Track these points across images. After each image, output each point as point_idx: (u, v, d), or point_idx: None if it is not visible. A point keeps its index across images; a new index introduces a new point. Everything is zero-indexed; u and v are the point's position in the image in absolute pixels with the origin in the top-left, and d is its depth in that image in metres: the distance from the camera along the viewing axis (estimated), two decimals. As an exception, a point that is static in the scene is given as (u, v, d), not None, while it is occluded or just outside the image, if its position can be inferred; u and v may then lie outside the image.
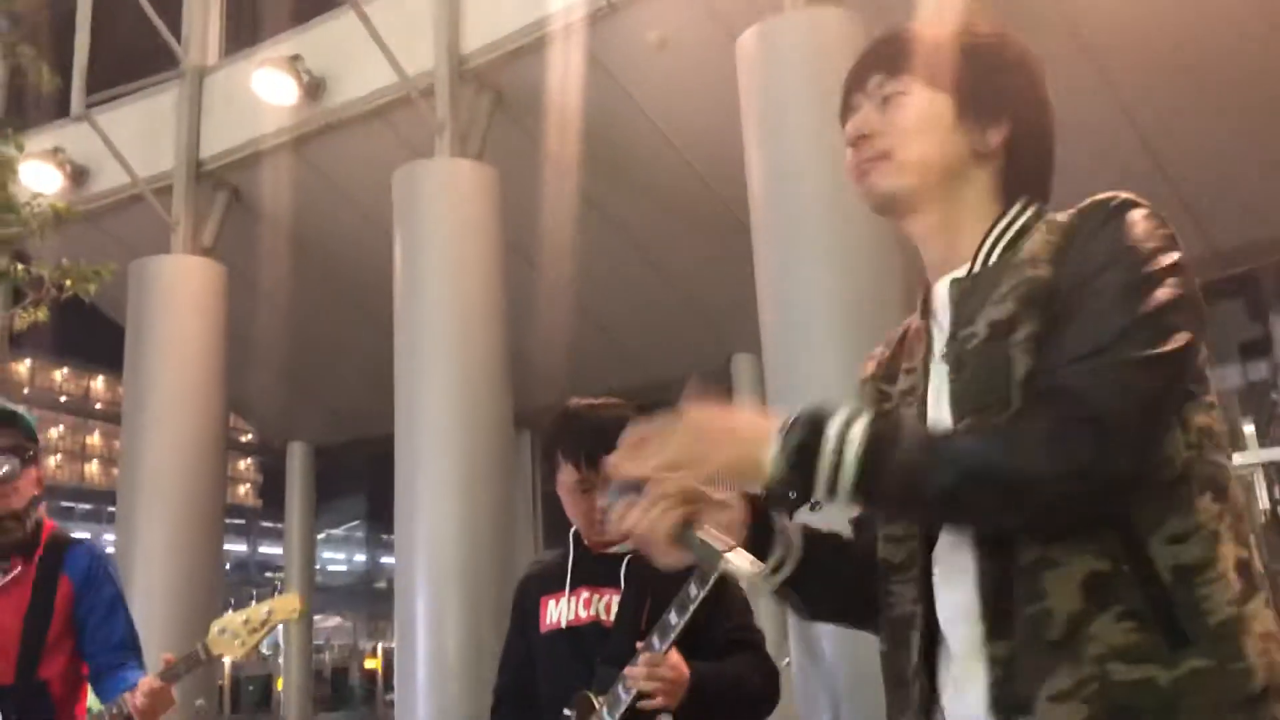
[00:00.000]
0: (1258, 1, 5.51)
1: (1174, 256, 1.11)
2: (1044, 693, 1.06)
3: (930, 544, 1.20)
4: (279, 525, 13.35)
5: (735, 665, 2.14)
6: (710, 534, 1.19)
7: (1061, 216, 1.21)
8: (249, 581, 30.67)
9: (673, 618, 2.00)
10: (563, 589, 2.28)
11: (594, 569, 2.26)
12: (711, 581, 1.98)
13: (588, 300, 8.44)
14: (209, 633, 2.60)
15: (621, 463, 1.18)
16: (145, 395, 7.55)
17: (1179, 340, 1.07)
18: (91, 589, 2.66)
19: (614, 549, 2.25)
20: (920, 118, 1.26)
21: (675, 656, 2.01)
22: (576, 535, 2.32)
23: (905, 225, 1.31)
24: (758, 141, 5.28)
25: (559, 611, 2.27)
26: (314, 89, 7.58)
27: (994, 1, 5.64)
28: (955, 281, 1.24)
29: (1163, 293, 1.09)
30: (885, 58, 1.30)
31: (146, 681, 2.50)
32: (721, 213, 7.04)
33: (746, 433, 1.13)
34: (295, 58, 7.54)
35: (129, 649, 2.68)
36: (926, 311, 1.31)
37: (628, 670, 2.02)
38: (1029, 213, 1.26)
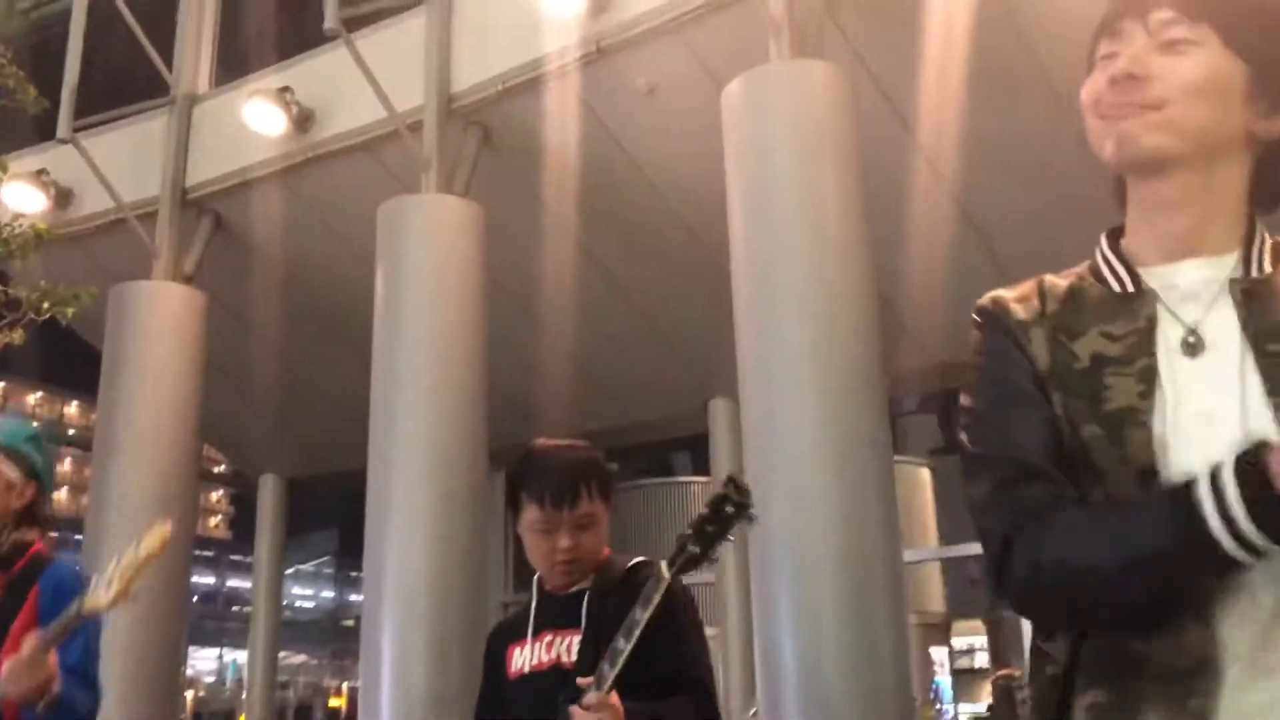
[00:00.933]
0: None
1: None
2: None
3: None
4: (249, 559, 13.20)
5: (671, 708, 2.10)
6: None
7: None
8: (215, 615, 30.29)
9: (620, 643, 2.00)
10: (525, 636, 2.28)
11: (556, 612, 2.25)
12: (655, 603, 1.99)
13: (568, 340, 8.46)
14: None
15: None
16: (118, 421, 7.48)
17: None
18: (56, 607, 2.61)
19: (574, 588, 2.25)
20: (1211, 79, 1.12)
21: (613, 698, 1.99)
22: (539, 580, 2.32)
23: (1148, 188, 1.18)
24: (740, 189, 5.33)
25: (523, 658, 2.27)
26: (302, 121, 7.62)
27: (977, 52, 5.76)
28: (1235, 280, 1.13)
29: None
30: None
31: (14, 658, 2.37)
32: (704, 258, 7.09)
33: None
34: (285, 89, 7.58)
35: (76, 674, 2.56)
36: (1139, 284, 1.18)
37: (573, 710, 2.00)
38: (1269, 237, 1.18)
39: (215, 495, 34.22)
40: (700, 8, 6.12)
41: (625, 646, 2.00)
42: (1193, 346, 1.12)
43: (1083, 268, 1.24)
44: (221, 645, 29.52)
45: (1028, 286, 1.24)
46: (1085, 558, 1.06)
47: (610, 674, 1.98)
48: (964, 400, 1.24)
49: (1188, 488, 1.00)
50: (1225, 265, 1.15)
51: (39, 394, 38.57)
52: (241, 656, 19.82)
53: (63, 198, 8.51)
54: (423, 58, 7.14)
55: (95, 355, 7.99)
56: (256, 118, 7.62)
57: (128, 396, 7.50)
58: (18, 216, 7.16)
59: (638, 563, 2.23)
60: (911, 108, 6.26)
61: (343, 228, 7.95)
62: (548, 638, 2.24)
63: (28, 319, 6.88)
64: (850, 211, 5.13)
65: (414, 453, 6.20)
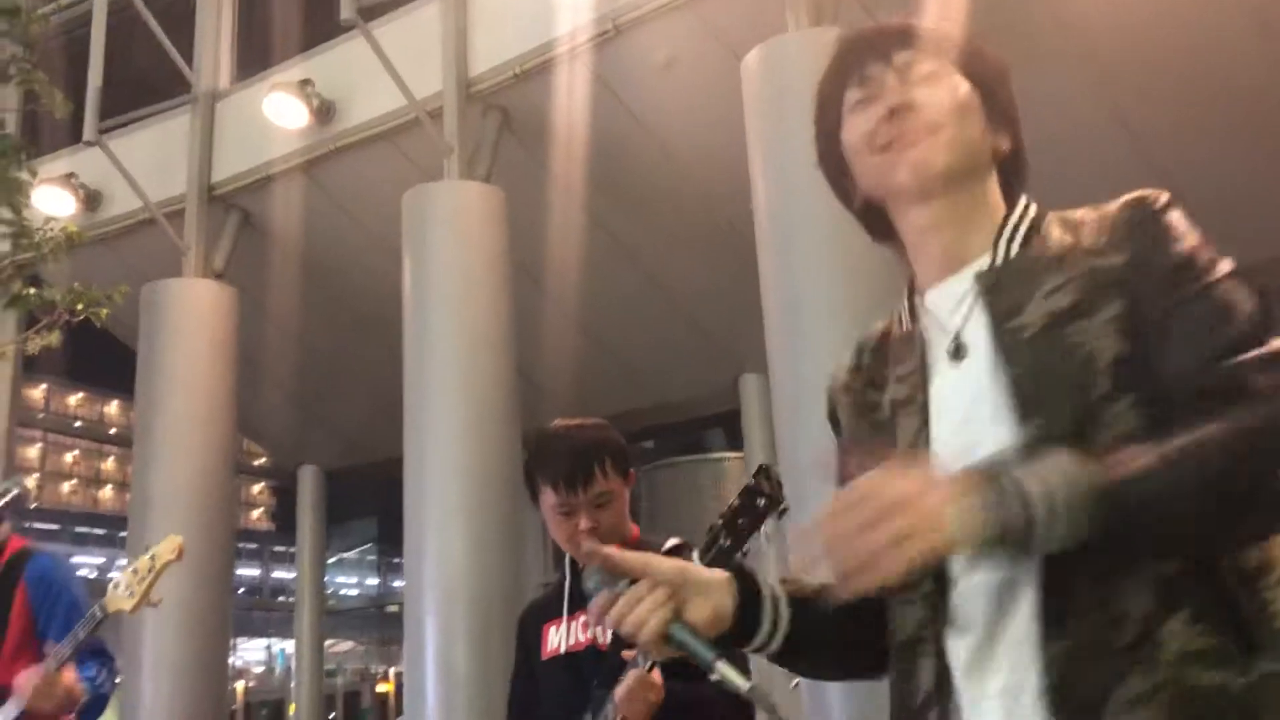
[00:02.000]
0: (1258, 18, 5.51)
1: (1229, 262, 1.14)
2: (1118, 696, 1.02)
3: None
4: (292, 549, 13.34)
5: (706, 689, 2.11)
6: (697, 633, 1.16)
7: (1085, 210, 1.21)
8: (262, 606, 30.67)
9: None
10: (561, 615, 2.28)
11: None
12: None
13: (595, 322, 8.46)
14: (106, 594, 2.56)
15: (830, 536, 1.01)
16: (156, 419, 7.57)
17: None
18: (49, 598, 2.67)
19: None
20: (964, 102, 1.24)
21: (656, 676, 1.99)
22: (572, 560, 2.31)
23: (914, 216, 1.26)
24: (762, 161, 5.30)
25: (559, 637, 2.27)
26: (324, 113, 7.64)
27: (991, 11, 5.68)
28: (980, 275, 1.20)
29: (1248, 293, 1.11)
30: (911, 38, 1.27)
31: (34, 671, 2.46)
32: (728, 233, 7.06)
33: (933, 499, 1.00)
34: (305, 82, 7.60)
35: (87, 652, 2.65)
36: (915, 315, 1.27)
37: (616, 692, 2.00)
38: (1033, 210, 1.25)
39: (256, 488, 34.57)
40: (716, -20, 6.08)
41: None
42: (956, 352, 1.19)
43: (896, 308, 1.32)
44: (269, 635, 29.91)
45: (855, 344, 1.37)
46: None
47: (644, 665, 1.98)
48: None
49: None
50: (982, 264, 1.22)
51: (80, 395, 39.08)
52: (289, 646, 20.08)
53: (92, 200, 8.60)
54: (440, 44, 7.13)
55: (131, 355, 8.08)
56: (278, 111, 7.65)
57: (164, 394, 7.58)
58: (49, 220, 7.24)
59: (675, 545, 2.21)
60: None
61: (367, 218, 7.98)
62: (583, 617, 2.23)
63: (63, 321, 6.96)
64: (874, 180, 5.08)
65: (448, 439, 6.23)
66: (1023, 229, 1.23)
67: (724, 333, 8.26)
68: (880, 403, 1.27)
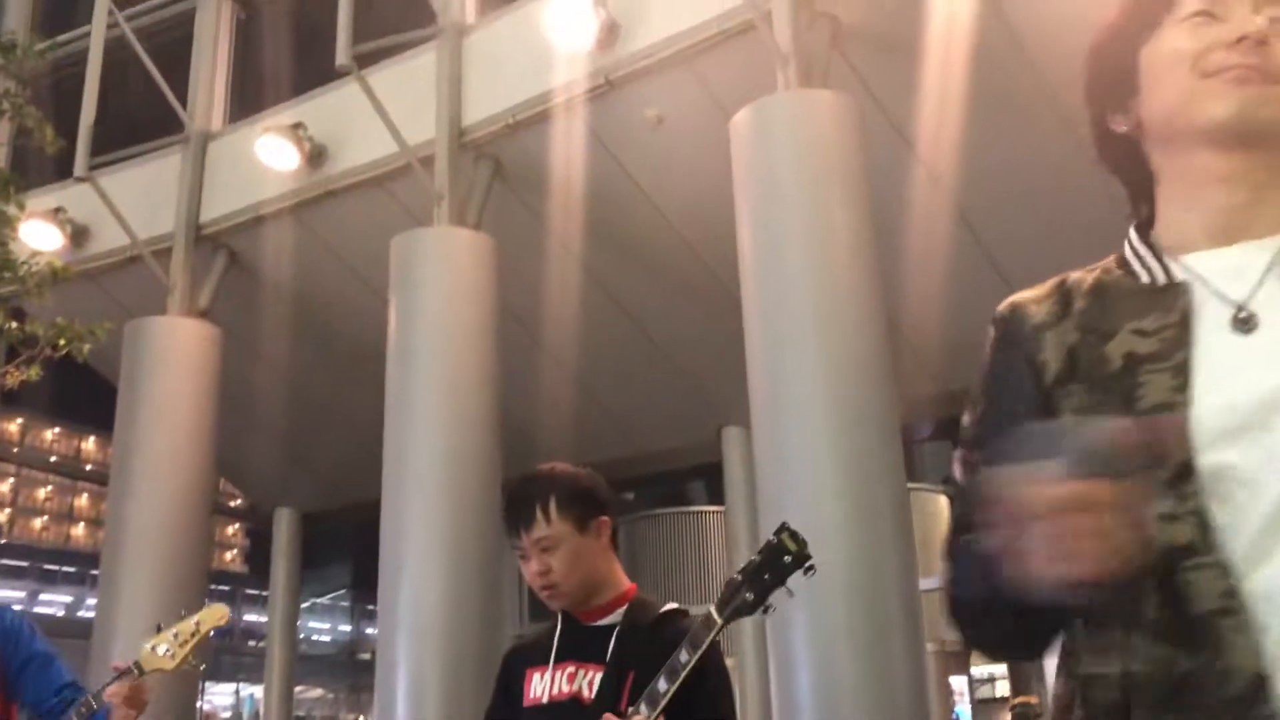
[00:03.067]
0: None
1: None
2: None
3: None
4: (265, 593, 13.20)
5: None
6: None
7: None
8: (232, 650, 30.21)
9: (662, 685, 1.96)
10: (547, 662, 2.22)
11: (581, 642, 2.20)
12: (704, 647, 1.96)
13: (581, 370, 8.47)
14: (141, 652, 2.63)
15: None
16: (134, 456, 7.51)
17: None
18: (17, 644, 2.67)
19: (603, 621, 2.20)
20: None
21: None
22: (565, 609, 2.26)
23: (1211, 159, 1.12)
24: (750, 218, 5.35)
25: (542, 685, 2.21)
26: (316, 156, 7.69)
27: (979, 79, 5.78)
28: None
29: None
30: None
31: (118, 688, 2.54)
32: (715, 287, 7.10)
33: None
34: (298, 125, 7.65)
35: (76, 686, 2.72)
36: (1171, 277, 1.12)
37: None
38: None
39: (230, 529, 34.22)
40: (709, 39, 6.17)
41: (668, 688, 1.95)
42: (1245, 322, 1.06)
43: (1109, 261, 1.19)
44: (238, 680, 29.44)
45: (1048, 286, 1.19)
46: (956, 599, 1.12)
47: (651, 716, 1.94)
48: (963, 419, 1.20)
49: None
50: (1276, 244, 1.08)
51: (56, 430, 38.74)
52: (258, 691, 19.76)
53: (79, 235, 8.59)
54: (434, 92, 7.19)
55: (112, 391, 8.04)
56: (270, 154, 7.69)
57: (143, 431, 7.53)
58: (35, 254, 7.23)
59: (671, 610, 2.18)
60: (919, 136, 6.28)
61: (356, 261, 7.99)
62: (570, 668, 2.18)
63: (44, 355, 6.92)
64: (859, 239, 5.14)
65: (427, 485, 6.20)
66: None
67: (709, 384, 8.28)
68: (1106, 354, 1.10)
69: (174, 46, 9.12)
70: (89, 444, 39.19)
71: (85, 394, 11.78)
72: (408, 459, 6.30)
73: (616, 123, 6.77)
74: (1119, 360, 1.08)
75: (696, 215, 7.01)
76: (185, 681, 7.33)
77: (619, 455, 8.81)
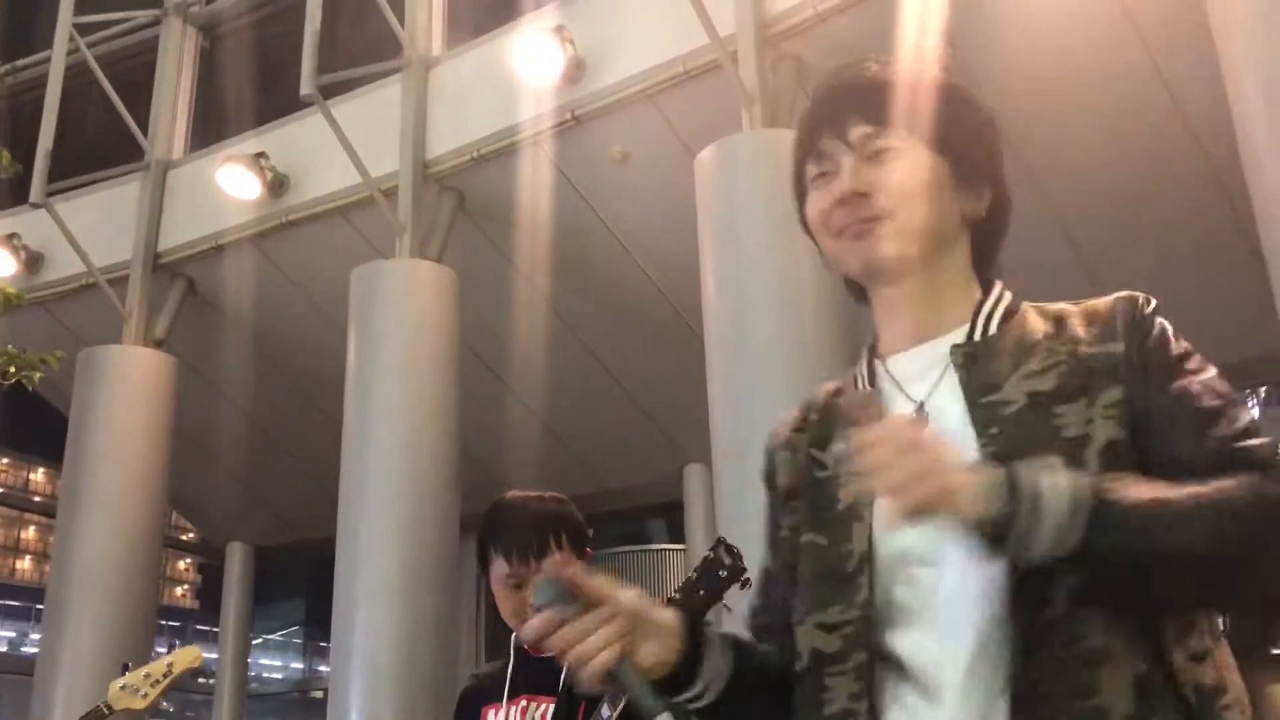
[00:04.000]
0: (1191, 151, 5.74)
1: None
2: None
3: (870, 627, 1.12)
4: (216, 629, 12.95)
5: None
6: (643, 676, 1.10)
7: (1064, 306, 1.21)
8: (181, 687, 29.62)
9: (605, 711, 1.96)
10: (501, 700, 2.20)
11: (534, 676, 2.17)
12: (622, 705, 1.93)
13: (542, 406, 8.42)
14: (109, 691, 2.64)
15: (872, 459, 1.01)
16: (83, 487, 7.36)
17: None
18: None
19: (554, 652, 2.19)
20: (923, 181, 1.18)
21: None
22: (518, 641, 2.24)
23: (885, 292, 1.24)
24: (713, 256, 5.36)
25: None
26: (277, 186, 7.63)
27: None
28: (956, 347, 1.18)
29: (1238, 395, 1.14)
30: (870, 106, 1.20)
31: None
32: (678, 325, 7.10)
33: (955, 459, 1.01)
34: (260, 154, 7.60)
35: None
36: (873, 379, 1.25)
37: None
38: (1008, 296, 1.24)
39: (182, 564, 33.64)
40: (674, 77, 6.21)
41: (610, 714, 1.95)
42: (920, 420, 1.16)
43: (852, 370, 1.30)
44: (186, 718, 28.84)
45: (800, 405, 1.33)
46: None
47: None
48: None
49: None
50: (957, 338, 1.20)
51: (4, 460, 37.98)
52: (206, 730, 19.34)
53: (33, 262, 8.46)
54: (398, 124, 7.17)
55: (63, 421, 7.89)
56: (231, 183, 7.63)
57: (94, 462, 7.38)
58: (-14, 280, 7.11)
59: None
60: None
61: (316, 293, 7.92)
62: (523, 703, 2.17)
63: (-7, 383, 6.78)
64: (823, 279, 5.14)
65: (384, 520, 6.12)
66: (1000, 311, 1.21)
67: (671, 422, 8.26)
68: (825, 461, 1.23)
69: (135, 73, 9.05)
70: (38, 475, 38.45)
71: (35, 424, 11.56)
72: (365, 494, 6.21)
73: (581, 158, 6.78)
74: (832, 466, 1.21)
75: (660, 252, 7.03)
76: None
77: (579, 492, 8.66)
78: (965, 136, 1.22)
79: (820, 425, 1.27)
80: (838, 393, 1.29)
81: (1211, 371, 1.14)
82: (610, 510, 10.04)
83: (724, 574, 1.95)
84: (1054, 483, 0.98)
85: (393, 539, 6.07)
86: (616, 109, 6.47)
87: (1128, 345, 1.14)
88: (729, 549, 1.97)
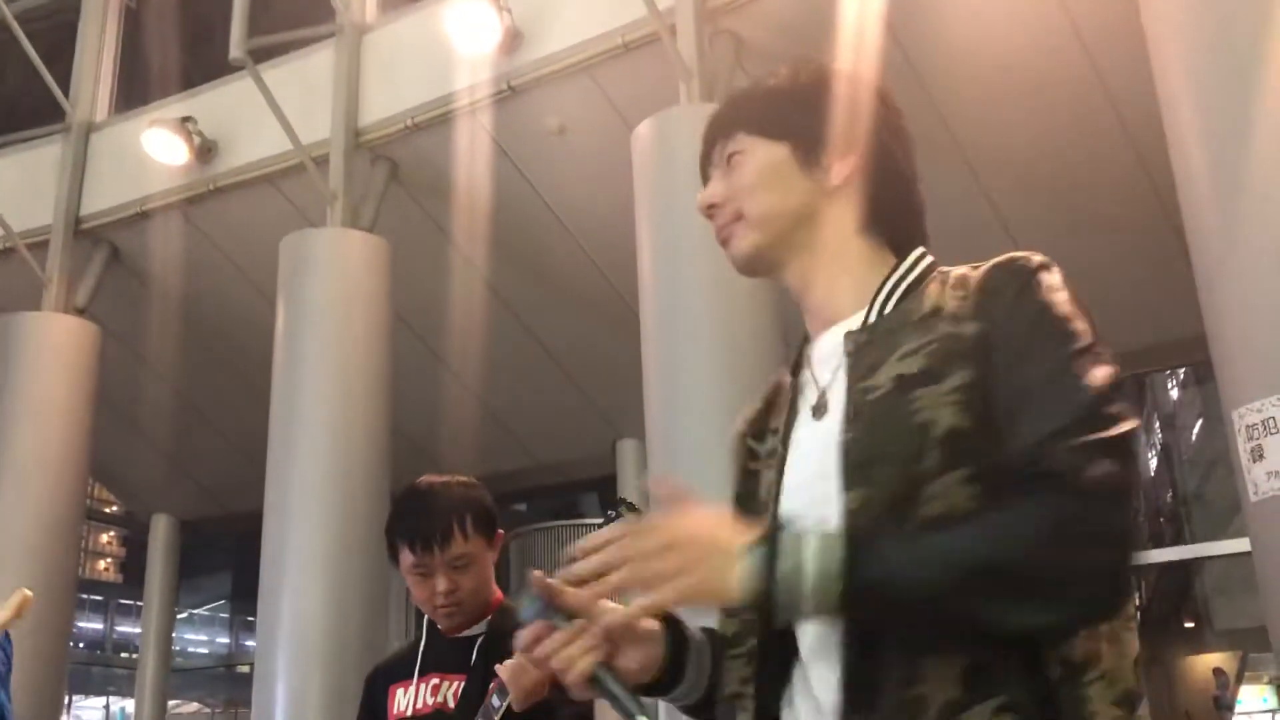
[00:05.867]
0: (1119, 135, 5.84)
1: (1093, 330, 1.09)
2: None
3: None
4: (139, 603, 12.73)
5: None
6: (623, 681, 1.16)
7: (966, 270, 1.17)
8: (102, 661, 29.10)
9: (495, 701, 1.95)
10: (411, 677, 2.19)
11: (444, 654, 2.17)
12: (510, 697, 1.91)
13: (475, 380, 8.36)
14: None
15: (578, 574, 1.07)
16: (1, 459, 7.17)
17: (1131, 422, 1.03)
18: None
19: (467, 632, 2.17)
20: (758, 170, 1.24)
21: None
22: (430, 622, 2.23)
23: (782, 282, 1.29)
24: (649, 231, 5.35)
25: (406, 700, 2.18)
26: (205, 151, 7.45)
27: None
28: (849, 334, 1.17)
29: (1104, 371, 1.05)
30: (721, 122, 1.29)
31: None
32: (613, 299, 7.08)
33: (715, 547, 1.03)
34: (187, 119, 7.41)
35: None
36: (799, 366, 1.26)
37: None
38: (924, 263, 1.22)
39: (105, 537, 32.96)
40: (612, 50, 6.16)
41: (500, 705, 1.94)
42: (816, 409, 1.18)
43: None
44: (108, 694, 28.36)
45: (763, 390, 1.35)
46: None
47: None
48: None
49: None
50: (857, 321, 1.20)
51: (-81, 429, 36.89)
52: (129, 705, 19.07)
53: (-52, 225, 8.18)
54: (330, 91, 7.04)
55: (-22, 389, 7.65)
56: (157, 147, 7.43)
57: (12, 433, 7.19)
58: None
59: None
60: (818, 155, 6.36)
61: (244, 261, 7.77)
62: (433, 680, 2.16)
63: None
64: (758, 255, 5.17)
65: (312, 494, 6.04)
66: (905, 284, 1.20)
67: (604, 396, 8.26)
68: (759, 452, 1.26)
69: (57, 31, 8.77)
70: (-46, 445, 37.41)
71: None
72: (293, 466, 6.13)
73: (517, 129, 6.72)
74: (763, 459, 1.24)
75: (596, 225, 6.99)
76: (50, 694, 7.01)
77: (512, 467, 8.72)
78: (804, 112, 1.24)
79: (762, 415, 1.30)
80: (780, 382, 1.31)
81: (1076, 344, 1.07)
82: (543, 484, 10.04)
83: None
84: (808, 555, 0.99)
85: (321, 513, 6.00)
86: (553, 80, 6.41)
87: (988, 322, 1.09)
88: (632, 506, 1.97)
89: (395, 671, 2.24)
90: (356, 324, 6.42)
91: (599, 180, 6.53)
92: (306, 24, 7.38)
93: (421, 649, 2.22)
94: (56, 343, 7.49)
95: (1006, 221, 6.41)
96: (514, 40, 6.41)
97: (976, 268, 1.17)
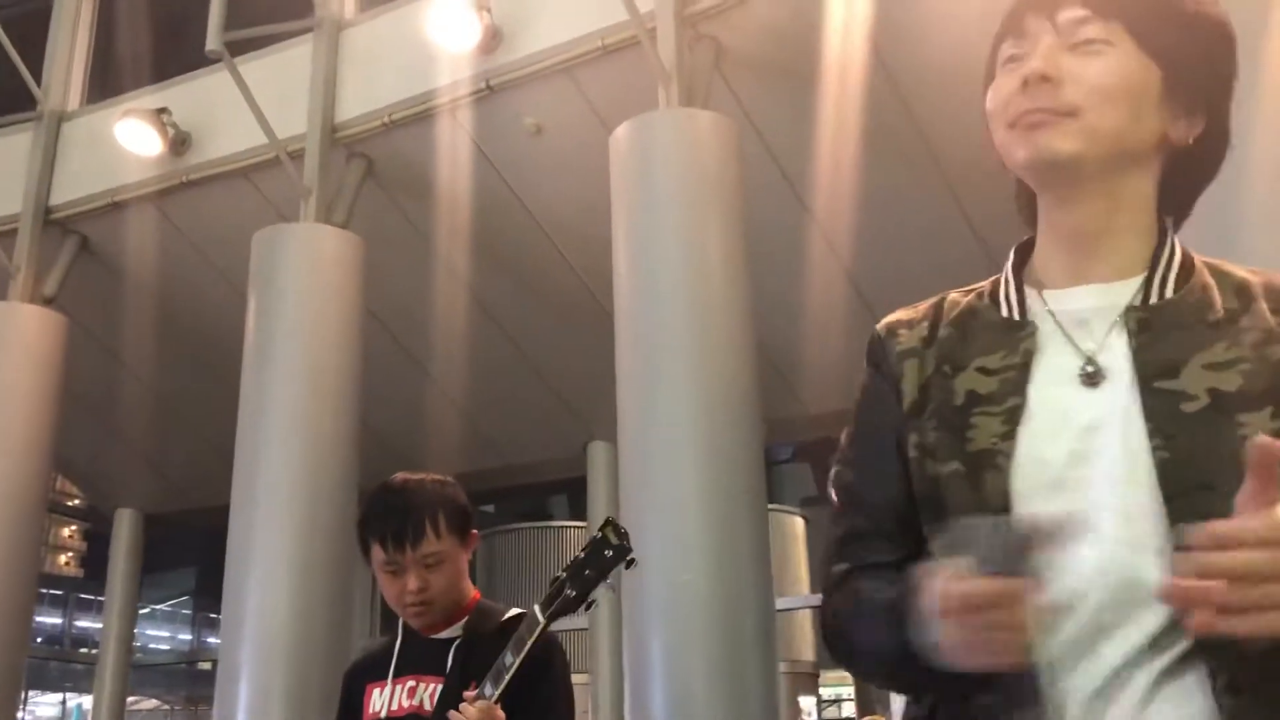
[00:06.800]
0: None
1: None
2: None
3: None
4: (101, 598, 12.59)
5: None
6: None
7: (1245, 273, 1.07)
8: (61, 657, 28.76)
9: (488, 689, 1.95)
10: (386, 678, 2.18)
11: (421, 655, 2.16)
12: (528, 648, 1.93)
13: (447, 379, 8.33)
14: None
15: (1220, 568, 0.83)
16: (-39, 448, 7.07)
17: None
18: None
19: (443, 634, 2.16)
20: (1126, 83, 1.05)
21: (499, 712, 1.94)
22: (405, 622, 2.21)
23: (1053, 209, 1.11)
24: (625, 233, 5.35)
25: (382, 700, 2.16)
26: (178, 143, 7.39)
27: (859, 116, 5.92)
28: (1131, 310, 1.04)
29: None
30: None
31: None
32: (587, 300, 7.08)
33: None
34: (162, 110, 7.35)
35: None
36: (1024, 309, 1.10)
37: (451, 714, 1.93)
38: (1180, 249, 1.08)
39: (67, 530, 32.57)
40: (592, 52, 6.16)
41: (492, 693, 1.94)
42: (1092, 376, 1.03)
43: (989, 283, 1.16)
44: (65, 689, 28.02)
45: (925, 307, 1.18)
46: (848, 635, 1.10)
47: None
48: (842, 439, 1.20)
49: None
50: (1127, 291, 1.06)
51: (-122, 418, 36.31)
52: (87, 701, 18.84)
53: (-87, 211, 8.07)
54: (307, 86, 7.00)
55: (-60, 378, 7.54)
56: (130, 138, 7.36)
57: (-27, 422, 7.09)
58: None
59: (516, 615, 2.13)
60: (795, 163, 6.39)
61: (216, 255, 7.71)
62: (410, 682, 2.15)
63: None
64: (732, 260, 5.19)
65: (279, 490, 5.99)
66: (1175, 267, 1.07)
67: (576, 398, 8.25)
68: (954, 389, 1.08)
69: (30, 18, 8.67)
70: (-86, 434, 36.86)
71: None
72: (260, 462, 6.08)
73: (495, 129, 6.70)
74: (962, 396, 1.07)
75: (572, 226, 6.99)
76: (6, 689, 6.92)
77: (481, 467, 8.69)
78: (1190, 48, 1.07)
79: (951, 341, 1.12)
80: (972, 310, 1.13)
81: None
82: (513, 485, 10.02)
83: (610, 554, 1.94)
84: None
85: (288, 509, 5.95)
86: (532, 81, 6.40)
87: None
88: (616, 529, 1.98)
89: (372, 671, 2.22)
90: (328, 320, 6.38)
91: (576, 181, 6.53)
92: (285, 18, 7.33)
93: (397, 649, 2.20)
94: (22, 333, 7.40)
95: (970, 220, 6.46)
96: (493, 39, 6.40)
97: (1258, 272, 1.07)
